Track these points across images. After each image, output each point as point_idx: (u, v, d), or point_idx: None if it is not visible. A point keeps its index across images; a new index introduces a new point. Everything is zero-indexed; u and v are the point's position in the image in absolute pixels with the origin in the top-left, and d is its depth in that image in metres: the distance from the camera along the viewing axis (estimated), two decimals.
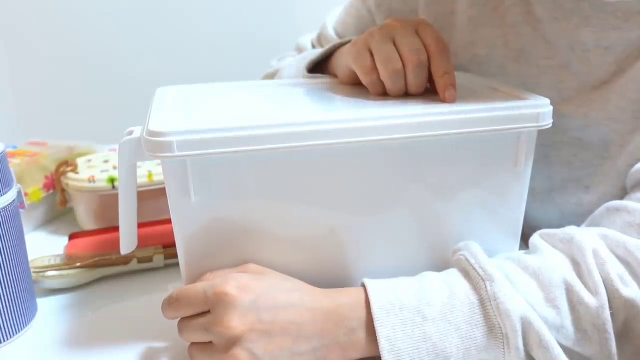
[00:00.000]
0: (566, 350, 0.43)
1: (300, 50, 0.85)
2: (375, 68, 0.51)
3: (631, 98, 0.53)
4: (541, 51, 0.59)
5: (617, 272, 0.44)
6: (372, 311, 0.44)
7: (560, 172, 0.59)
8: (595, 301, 0.43)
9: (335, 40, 0.77)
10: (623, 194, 0.54)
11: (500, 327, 0.43)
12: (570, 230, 0.49)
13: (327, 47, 0.65)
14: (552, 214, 0.61)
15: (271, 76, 0.80)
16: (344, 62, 0.58)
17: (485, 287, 0.44)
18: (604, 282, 0.44)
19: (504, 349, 0.43)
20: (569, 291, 0.44)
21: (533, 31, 0.59)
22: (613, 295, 0.44)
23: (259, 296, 0.44)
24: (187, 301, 0.45)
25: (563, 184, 0.59)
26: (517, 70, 0.61)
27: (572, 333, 0.44)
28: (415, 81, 0.51)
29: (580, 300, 0.44)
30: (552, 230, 0.50)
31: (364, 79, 0.53)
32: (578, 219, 0.56)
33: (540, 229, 0.52)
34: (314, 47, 0.83)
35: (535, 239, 0.51)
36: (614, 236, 0.47)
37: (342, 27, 0.78)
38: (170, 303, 0.46)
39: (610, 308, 0.43)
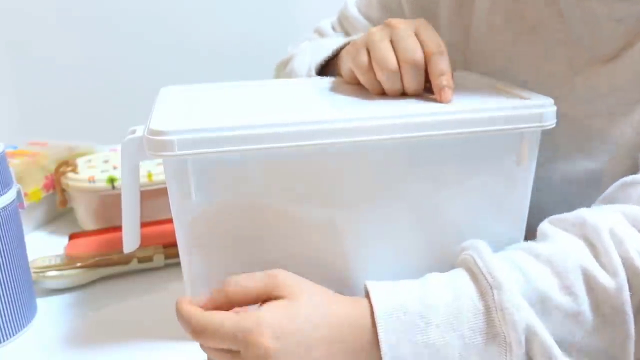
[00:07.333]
0: (576, 348, 0.43)
1: (320, 33, 0.85)
2: (371, 67, 0.51)
3: (638, 70, 0.53)
4: (555, 24, 0.59)
5: (637, 248, 0.43)
6: (374, 316, 0.42)
7: (566, 142, 0.58)
8: (614, 283, 0.42)
9: (358, 19, 0.77)
10: (631, 162, 0.54)
11: (504, 336, 0.42)
12: (582, 212, 0.47)
13: (335, 47, 0.65)
14: (556, 183, 0.60)
15: (286, 62, 0.79)
16: (345, 60, 0.57)
17: (493, 295, 0.43)
18: (622, 261, 0.43)
19: (506, 356, 0.42)
20: (586, 275, 0.43)
21: (548, 4, 0.59)
22: (633, 273, 0.42)
23: (294, 342, 0.42)
24: (216, 336, 0.42)
25: (569, 153, 0.59)
26: (532, 42, 0.61)
27: (590, 319, 0.42)
28: (411, 82, 0.51)
29: (597, 283, 0.42)
30: (562, 215, 0.48)
31: (361, 78, 0.53)
32: (583, 189, 0.54)
33: (545, 203, 0.50)
34: (334, 29, 0.83)
35: (544, 226, 0.49)
36: (631, 211, 0.45)
37: (365, 4, 0.78)
38: (196, 331, 0.43)
39: (630, 288, 0.42)
